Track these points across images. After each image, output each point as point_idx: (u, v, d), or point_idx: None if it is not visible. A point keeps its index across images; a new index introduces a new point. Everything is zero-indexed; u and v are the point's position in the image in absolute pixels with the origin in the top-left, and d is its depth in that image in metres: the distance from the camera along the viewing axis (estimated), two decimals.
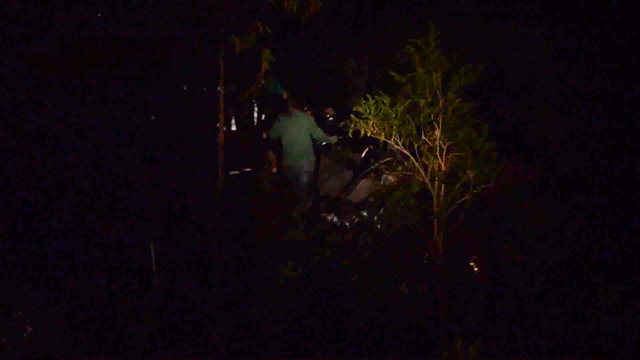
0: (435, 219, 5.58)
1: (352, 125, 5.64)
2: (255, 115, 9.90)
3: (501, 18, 8.73)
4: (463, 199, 5.51)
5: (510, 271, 6.59)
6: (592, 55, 8.27)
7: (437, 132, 5.50)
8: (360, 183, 8.33)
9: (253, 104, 9.68)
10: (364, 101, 5.57)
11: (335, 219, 8.00)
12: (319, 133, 8.39)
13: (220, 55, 6.53)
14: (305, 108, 8.59)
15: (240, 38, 6.39)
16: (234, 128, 9.59)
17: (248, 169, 8.85)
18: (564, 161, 7.79)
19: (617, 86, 8.07)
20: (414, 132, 5.55)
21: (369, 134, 5.61)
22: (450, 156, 5.51)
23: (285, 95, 9.07)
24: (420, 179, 5.59)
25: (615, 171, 7.57)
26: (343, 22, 10.27)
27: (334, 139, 8.57)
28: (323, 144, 8.60)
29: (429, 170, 5.56)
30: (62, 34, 7.58)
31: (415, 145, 5.58)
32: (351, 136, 5.94)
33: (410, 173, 5.64)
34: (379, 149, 8.31)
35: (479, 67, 5.44)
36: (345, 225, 7.90)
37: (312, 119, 8.44)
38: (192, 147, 8.25)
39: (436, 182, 5.55)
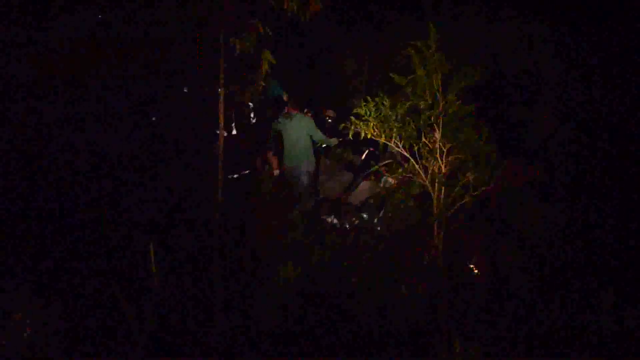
0: (436, 221, 5.57)
1: (352, 127, 5.63)
2: (252, 115, 9.88)
3: (501, 20, 8.73)
4: (463, 201, 5.51)
5: (510, 272, 6.58)
6: (592, 56, 8.29)
7: (437, 134, 5.48)
8: (361, 185, 8.33)
9: (252, 105, 9.65)
10: (364, 103, 5.56)
11: (335, 221, 8.00)
12: (318, 135, 8.34)
13: (221, 56, 6.51)
14: (305, 110, 8.55)
15: (240, 39, 6.37)
16: (234, 132, 9.55)
17: (246, 172, 8.83)
18: (564, 162, 7.79)
19: (616, 88, 8.08)
20: (414, 134, 5.54)
21: (369, 136, 5.61)
22: (450, 158, 5.50)
23: (285, 97, 9.05)
24: (420, 181, 5.59)
25: (615, 172, 7.57)
26: (343, 22, 10.27)
27: (334, 140, 8.53)
28: (323, 145, 8.57)
29: (429, 172, 5.55)
30: (62, 34, 7.59)
31: (415, 148, 5.57)
32: (351, 138, 5.93)
33: (411, 175, 5.63)
34: (379, 151, 8.32)
35: (479, 68, 5.43)
36: (345, 227, 7.90)
37: (312, 121, 8.40)
38: (192, 148, 8.25)
39: (436, 185, 5.54)
